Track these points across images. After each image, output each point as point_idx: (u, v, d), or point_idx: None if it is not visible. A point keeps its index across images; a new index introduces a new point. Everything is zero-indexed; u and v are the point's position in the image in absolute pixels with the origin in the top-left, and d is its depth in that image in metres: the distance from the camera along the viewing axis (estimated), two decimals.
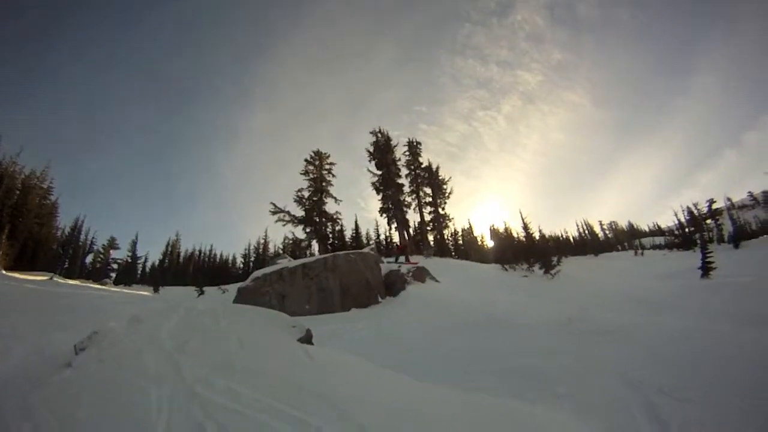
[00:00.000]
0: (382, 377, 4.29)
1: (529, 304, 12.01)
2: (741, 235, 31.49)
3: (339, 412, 2.91)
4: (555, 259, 20.76)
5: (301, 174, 29.22)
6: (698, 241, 28.64)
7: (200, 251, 37.21)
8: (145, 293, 18.28)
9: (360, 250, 15.95)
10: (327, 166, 29.90)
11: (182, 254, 36.13)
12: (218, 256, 38.09)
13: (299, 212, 27.53)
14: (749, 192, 63.96)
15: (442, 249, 30.38)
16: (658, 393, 4.63)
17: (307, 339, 5.87)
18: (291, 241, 28.28)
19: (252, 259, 35.84)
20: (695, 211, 38.74)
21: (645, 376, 5.20)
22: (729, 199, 44.70)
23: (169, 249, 34.99)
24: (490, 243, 35.68)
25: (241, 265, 36.27)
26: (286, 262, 14.39)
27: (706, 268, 14.57)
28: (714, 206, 36.22)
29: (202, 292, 19.75)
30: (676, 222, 37.72)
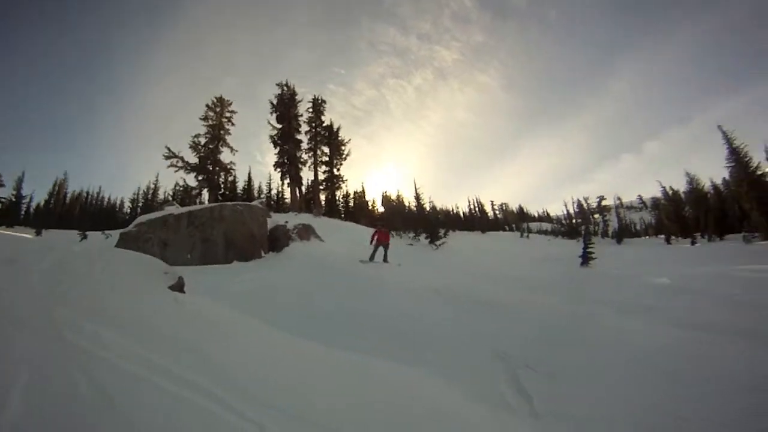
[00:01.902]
0: (254, 330, 4.30)
1: (410, 272, 12.33)
2: (625, 233, 35.24)
3: (206, 363, 2.91)
4: (442, 231, 22.04)
5: (200, 119, 28.19)
6: (582, 232, 31.49)
7: (88, 193, 34.62)
8: (27, 236, 17.05)
9: (248, 203, 15.75)
10: (228, 114, 29.08)
11: (69, 196, 33.34)
12: (106, 199, 35.77)
13: (193, 159, 26.68)
14: (639, 195, 72.16)
15: (332, 210, 30.97)
16: (525, 367, 4.83)
17: (178, 287, 5.87)
18: (182, 189, 27.27)
19: (140, 204, 34.07)
20: (585, 205, 43.13)
21: (514, 350, 5.38)
22: (619, 199, 50.40)
23: (56, 189, 32.19)
24: (381, 209, 36.60)
25: (129, 211, 34.38)
26: (173, 209, 14.07)
27: (586, 257, 15.53)
28: (604, 203, 40.29)
29: (85, 237, 18.84)
30: (565, 212, 41.48)
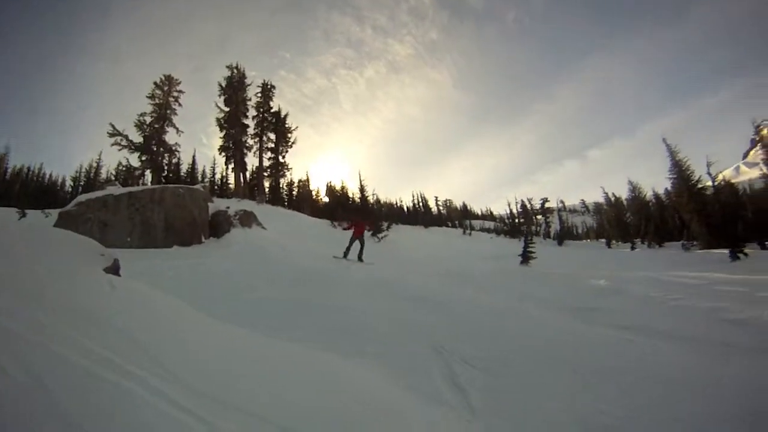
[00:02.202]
0: (189, 318, 4.24)
1: (353, 264, 12.20)
2: (566, 235, 35.70)
3: (141, 349, 2.89)
4: (385, 225, 22.35)
5: (147, 98, 27.50)
6: (525, 231, 31.96)
7: (29, 169, 32.89)
8: None
9: (190, 186, 15.55)
10: (175, 94, 28.56)
11: (9, 171, 31.61)
12: (47, 176, 34.05)
13: (138, 138, 26.14)
14: (582, 200, 74.69)
15: (276, 197, 30.86)
16: (461, 361, 4.94)
17: (114, 269, 5.84)
18: (124, 169, 26.69)
19: (82, 183, 32.77)
20: (528, 205, 43.99)
21: (451, 344, 5.45)
22: (562, 202, 51.90)
23: None
24: (325, 199, 36.15)
25: (70, 189, 33.00)
26: (114, 189, 13.86)
27: (526, 256, 15.56)
28: (547, 205, 40.45)
29: (24, 215, 18.22)
30: (508, 211, 41.77)
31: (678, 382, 4.38)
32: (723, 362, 5.02)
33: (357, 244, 12.50)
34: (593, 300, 8.60)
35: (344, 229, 12.04)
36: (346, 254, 12.21)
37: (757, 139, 32.71)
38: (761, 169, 32.80)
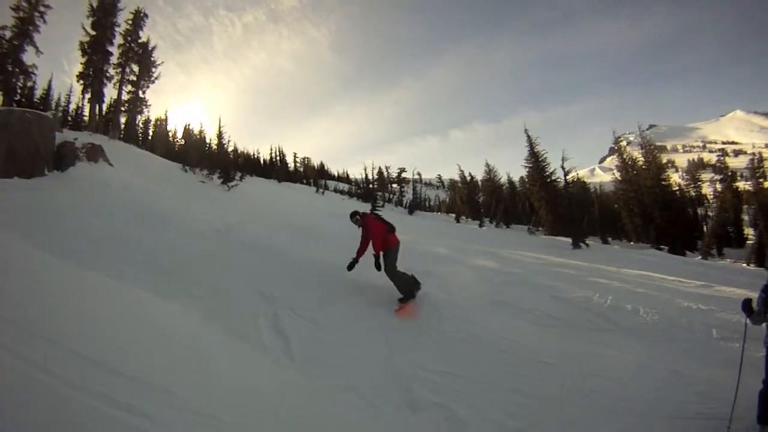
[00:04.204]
0: (24, 253, 4.12)
1: (196, 207, 12.60)
2: (418, 206, 38.19)
3: None
4: (238, 174, 22.46)
5: (10, 9, 24.98)
6: (377, 197, 33.74)
7: None
8: None
9: (40, 113, 14.82)
10: (42, 9, 26.12)
11: None
12: None
13: None
14: (438, 175, 77.95)
15: (130, 135, 30.00)
16: (288, 310, 5.15)
17: None
18: None
19: None
20: (386, 173, 45.58)
21: (281, 292, 5.59)
22: (419, 174, 53.83)
23: None
24: (181, 142, 35.78)
25: None
26: None
27: None
28: (404, 175, 43.03)
29: None
30: (364, 176, 43.29)
31: (486, 343, 4.88)
32: (545, 333, 5.57)
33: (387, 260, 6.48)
34: (431, 266, 8.20)
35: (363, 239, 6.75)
36: (406, 293, 6.16)
37: (615, 147, 36.14)
38: (614, 174, 36.87)
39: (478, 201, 39.57)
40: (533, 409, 3.93)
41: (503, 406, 3.94)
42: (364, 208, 23.18)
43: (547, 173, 30.12)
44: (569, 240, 19.87)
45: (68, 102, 33.15)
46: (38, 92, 30.34)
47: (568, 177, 27.48)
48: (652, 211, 28.54)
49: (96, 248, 6.50)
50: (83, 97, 30.01)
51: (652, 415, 3.86)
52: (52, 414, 1.68)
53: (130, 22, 29.86)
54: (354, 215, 7.02)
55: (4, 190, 9.84)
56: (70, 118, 31.14)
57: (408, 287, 6.11)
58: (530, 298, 6.81)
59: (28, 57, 25.79)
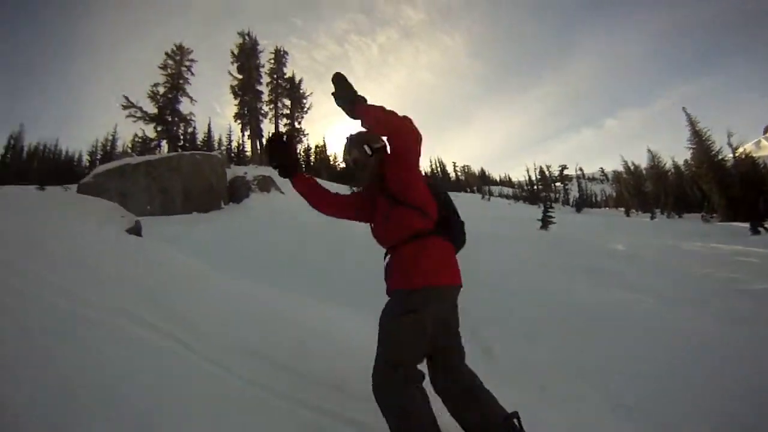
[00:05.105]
0: (209, 277, 4.22)
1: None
2: (585, 203, 35.82)
3: (156, 304, 2.91)
4: None
5: (159, 68, 26.93)
6: (544, 198, 32.01)
7: (45, 146, 33.36)
8: None
9: (207, 152, 15.79)
10: (187, 63, 27.79)
11: (26, 149, 32.15)
12: (64, 152, 34.56)
13: (152, 109, 25.79)
14: (601, 168, 73.34)
15: None
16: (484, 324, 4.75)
17: (136, 231, 6.16)
18: (140, 140, 26.52)
19: (99, 157, 33.03)
20: (547, 172, 43.82)
21: (471, 306, 5.43)
22: (581, 169, 51.26)
23: (12, 143, 30.84)
24: (342, 164, 35.81)
25: (87, 164, 33.25)
26: (131, 159, 13.98)
27: (545, 221, 15.31)
28: (566, 172, 40.86)
29: (43, 190, 18.38)
30: (527, 178, 42.30)
31: (654, 330, 4.35)
32: (726, 328, 4.65)
33: None
34: (608, 263, 8.25)
35: None
36: None
37: None
38: None
39: (644, 191, 35.71)
40: None
41: None
42: (531, 210, 22.98)
43: (713, 152, 26.90)
44: (747, 225, 17.14)
45: (230, 141, 35.47)
46: (200, 136, 32.80)
47: (736, 154, 25.18)
48: None
49: (288, 270, 6.94)
50: (243, 135, 31.77)
51: None
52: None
53: (272, 61, 31.16)
54: None
55: (187, 224, 10.53)
56: (233, 155, 33.03)
57: None
58: (708, 292, 6.07)
59: (184, 106, 27.48)
